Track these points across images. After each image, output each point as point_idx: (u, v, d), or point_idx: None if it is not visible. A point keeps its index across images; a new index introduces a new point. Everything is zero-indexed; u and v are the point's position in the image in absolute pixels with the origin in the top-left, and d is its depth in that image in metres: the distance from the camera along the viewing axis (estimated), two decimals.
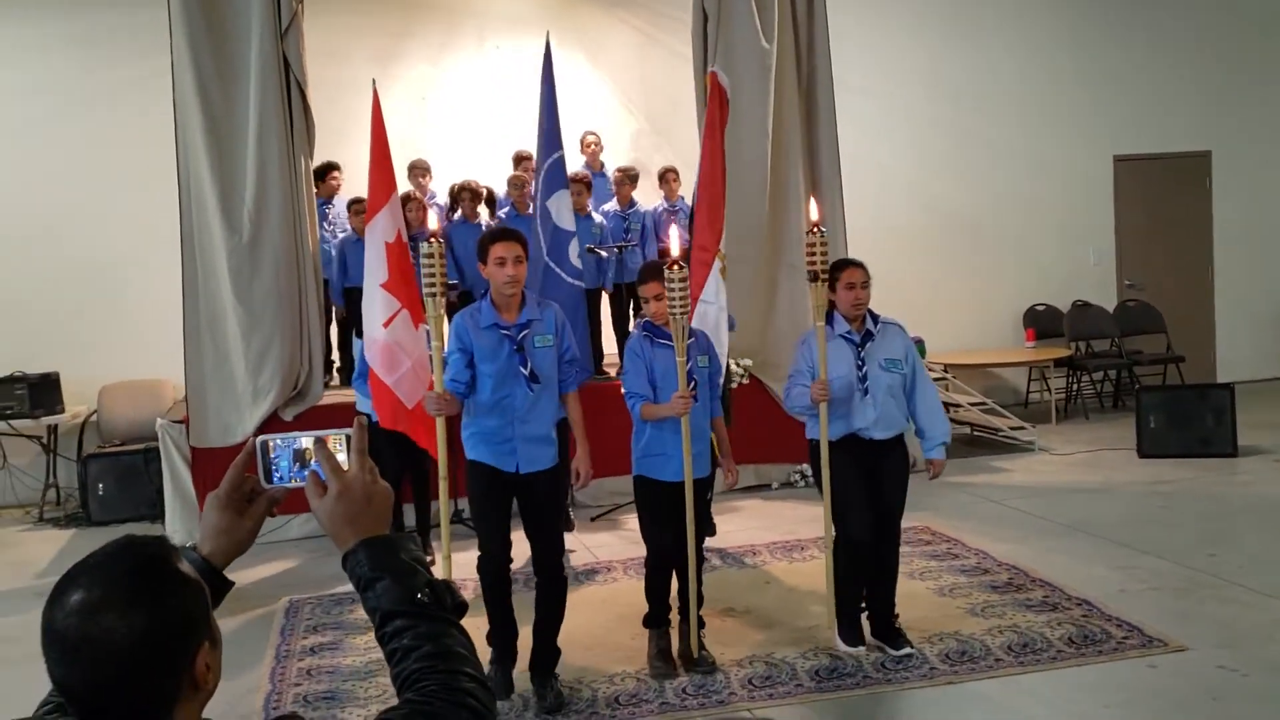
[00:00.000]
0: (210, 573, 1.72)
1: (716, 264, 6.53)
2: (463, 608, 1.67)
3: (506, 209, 9.39)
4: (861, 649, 5.47)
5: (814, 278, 5.43)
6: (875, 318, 5.50)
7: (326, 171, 9.58)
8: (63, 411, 9.64)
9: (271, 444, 1.78)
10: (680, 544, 5.37)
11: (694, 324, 5.58)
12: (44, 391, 9.47)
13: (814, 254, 5.41)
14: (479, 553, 5.17)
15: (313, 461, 1.72)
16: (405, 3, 10.76)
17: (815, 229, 5.48)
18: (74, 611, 1.45)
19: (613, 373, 7.94)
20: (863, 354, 5.41)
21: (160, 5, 8.24)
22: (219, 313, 8.20)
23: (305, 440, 1.77)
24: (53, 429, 9.77)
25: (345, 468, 1.70)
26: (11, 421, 9.39)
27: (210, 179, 8.03)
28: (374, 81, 7.01)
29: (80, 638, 1.44)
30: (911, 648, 5.40)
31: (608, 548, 7.64)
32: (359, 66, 10.22)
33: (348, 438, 1.73)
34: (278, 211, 8.12)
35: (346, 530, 1.66)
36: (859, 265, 5.50)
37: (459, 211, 9.36)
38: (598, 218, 9.09)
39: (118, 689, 1.44)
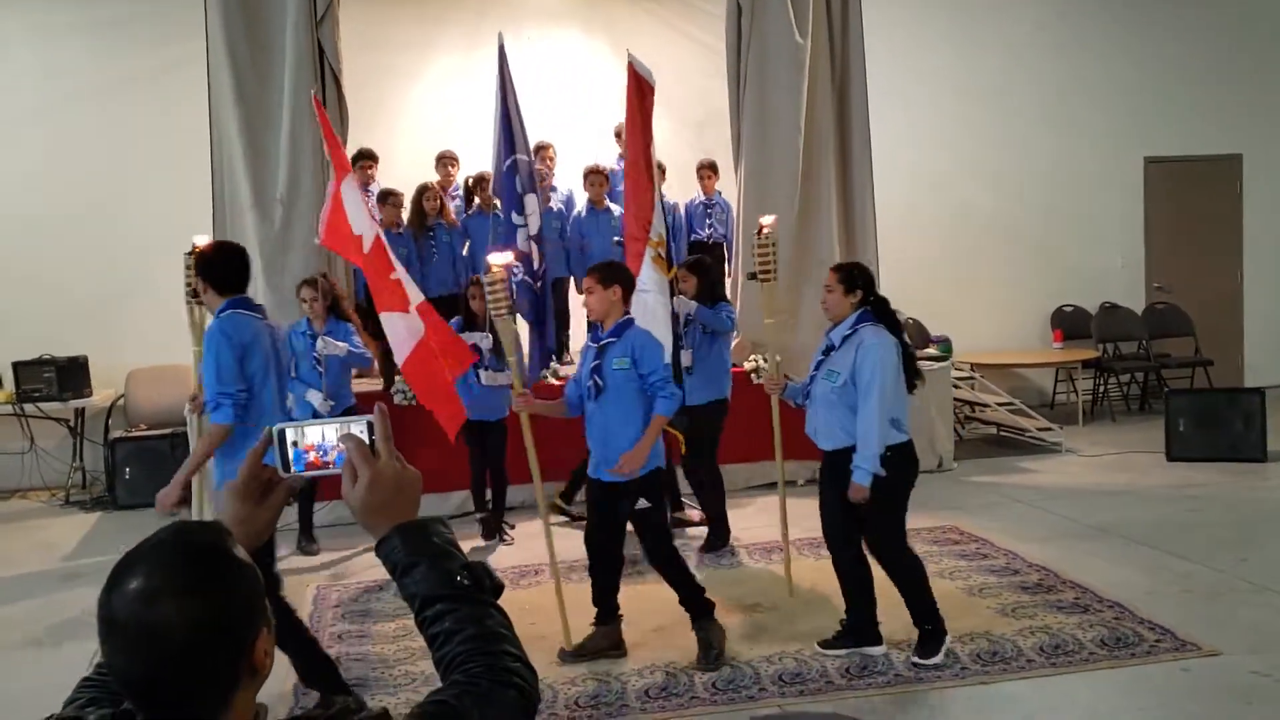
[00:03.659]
0: None
1: (649, 252, 6.56)
2: (500, 588, 1.66)
3: None
4: (838, 651, 5.45)
5: (752, 276, 5.84)
6: (860, 326, 5.25)
7: (357, 160, 9.55)
8: (90, 395, 9.68)
9: (289, 432, 1.74)
10: (591, 542, 5.63)
11: (634, 312, 5.65)
12: (72, 375, 9.51)
13: (765, 255, 5.83)
14: None
15: (339, 451, 1.69)
16: None
17: (762, 232, 5.85)
18: (134, 599, 1.42)
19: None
20: (822, 360, 5.38)
21: None
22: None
23: (325, 429, 1.74)
24: (80, 412, 9.82)
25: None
26: (39, 404, 9.44)
27: (244, 166, 8.05)
28: (312, 92, 7.10)
29: (140, 626, 1.41)
30: (935, 658, 5.28)
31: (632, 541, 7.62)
32: (393, 54, 10.26)
33: (370, 424, 1.70)
34: (310, 200, 8.12)
35: (379, 517, 1.65)
36: (834, 269, 5.48)
37: (476, 202, 9.29)
38: (616, 209, 9.05)
39: (179, 676, 1.42)
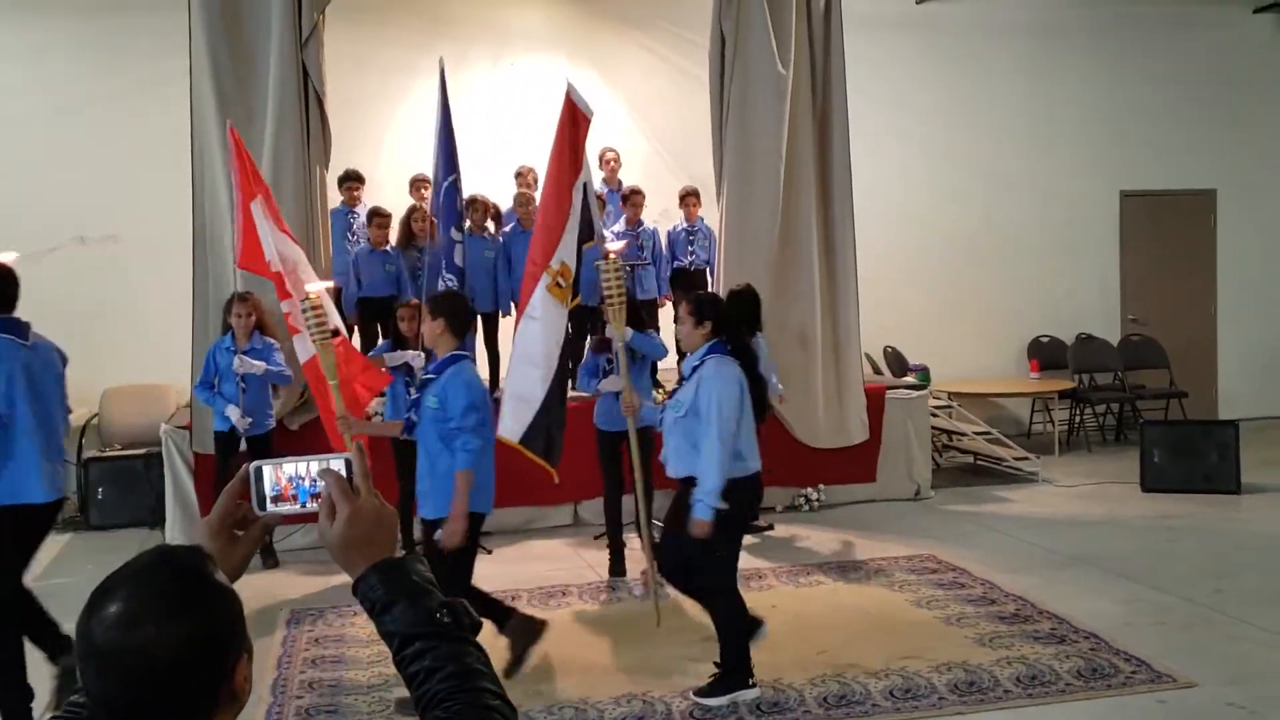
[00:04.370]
0: None
1: (544, 279, 6.59)
2: (479, 626, 1.65)
3: (512, 224, 9.39)
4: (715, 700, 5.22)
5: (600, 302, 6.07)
6: (708, 359, 5.22)
7: (345, 181, 9.52)
8: None
9: (265, 470, 1.73)
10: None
11: (517, 339, 5.71)
12: None
13: (608, 282, 5.97)
14: None
15: (318, 485, 1.69)
16: (426, 15, 10.71)
17: (609, 257, 6.00)
18: (114, 624, 1.40)
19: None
20: (675, 390, 5.42)
21: (179, 8, 8.25)
22: None
23: (299, 465, 1.73)
24: None
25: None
26: None
27: (225, 186, 8.00)
28: (229, 122, 7.18)
29: (121, 650, 1.40)
30: (715, 700, 5.15)
31: (606, 566, 7.60)
32: (380, 76, 10.28)
33: (347, 463, 1.69)
34: (291, 220, 8.07)
35: (356, 554, 1.64)
36: (687, 299, 5.48)
37: (466, 224, 9.28)
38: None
39: (158, 702, 1.41)
